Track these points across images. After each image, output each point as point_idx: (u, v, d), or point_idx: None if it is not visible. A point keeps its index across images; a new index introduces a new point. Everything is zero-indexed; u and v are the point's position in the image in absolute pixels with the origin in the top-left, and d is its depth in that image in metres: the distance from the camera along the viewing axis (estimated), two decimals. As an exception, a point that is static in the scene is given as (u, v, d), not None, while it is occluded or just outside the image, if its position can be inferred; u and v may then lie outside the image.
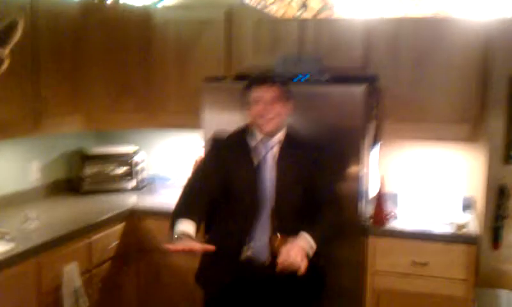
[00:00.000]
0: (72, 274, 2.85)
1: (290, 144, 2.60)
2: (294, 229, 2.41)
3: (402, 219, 3.31)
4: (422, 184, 3.59)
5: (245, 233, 2.49)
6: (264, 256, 2.49)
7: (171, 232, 2.35)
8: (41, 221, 3.04)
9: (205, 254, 2.47)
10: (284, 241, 2.34)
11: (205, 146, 2.86)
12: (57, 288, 2.81)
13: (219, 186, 2.53)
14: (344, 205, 2.78)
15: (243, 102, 2.58)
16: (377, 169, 3.51)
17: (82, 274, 2.97)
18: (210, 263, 2.55)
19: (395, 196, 3.50)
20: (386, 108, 3.32)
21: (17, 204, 3.40)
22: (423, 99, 3.29)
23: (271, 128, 2.53)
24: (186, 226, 2.34)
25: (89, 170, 3.87)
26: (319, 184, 2.58)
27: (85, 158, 3.89)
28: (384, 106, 3.32)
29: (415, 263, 3.10)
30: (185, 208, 2.46)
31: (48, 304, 2.77)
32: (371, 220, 3.23)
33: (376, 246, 3.17)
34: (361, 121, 3.05)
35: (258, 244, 2.49)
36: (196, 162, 3.45)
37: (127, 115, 3.75)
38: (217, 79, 3.41)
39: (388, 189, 3.45)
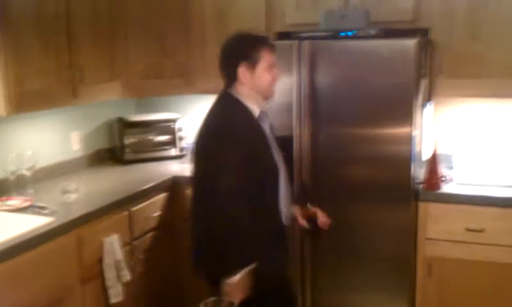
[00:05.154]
0: (113, 246, 2.80)
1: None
2: None
3: (457, 183, 3.12)
4: (478, 144, 3.38)
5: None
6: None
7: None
8: (81, 193, 3.00)
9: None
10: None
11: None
12: (99, 261, 2.77)
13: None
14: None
15: (248, 57, 2.28)
16: (430, 129, 3.32)
17: (124, 245, 2.92)
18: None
19: (449, 158, 3.33)
20: (440, 63, 3.13)
21: (58, 175, 3.37)
22: (479, 53, 3.07)
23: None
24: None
25: (131, 139, 3.81)
26: None
27: (126, 126, 3.82)
28: (437, 61, 3.12)
29: (469, 230, 2.92)
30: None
31: (89, 276, 2.73)
32: (424, 184, 3.05)
33: (428, 211, 3.02)
34: (413, 78, 2.87)
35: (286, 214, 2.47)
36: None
37: (165, 81, 3.67)
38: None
39: (443, 150, 3.30)
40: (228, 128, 2.24)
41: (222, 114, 2.31)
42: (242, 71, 2.24)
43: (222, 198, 2.17)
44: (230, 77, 2.29)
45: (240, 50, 2.27)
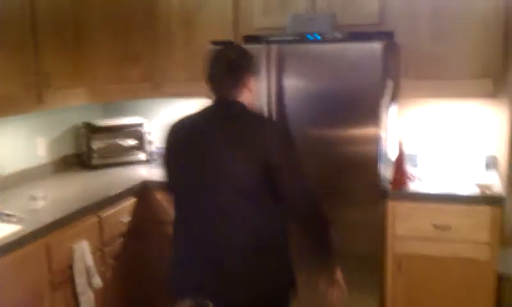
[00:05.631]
0: (82, 252, 2.77)
1: None
2: None
3: (423, 181, 3.19)
4: (442, 144, 3.46)
5: None
6: None
7: None
8: (49, 200, 2.96)
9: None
10: None
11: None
12: (69, 268, 2.74)
13: None
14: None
15: (255, 68, 2.29)
16: (396, 129, 3.37)
17: (94, 252, 2.89)
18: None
19: (415, 157, 3.39)
20: (404, 65, 3.18)
21: (25, 182, 3.32)
22: (442, 54, 3.13)
23: None
24: None
25: (98, 144, 3.77)
26: None
27: (93, 131, 3.77)
28: (402, 63, 3.18)
29: (436, 227, 2.99)
30: None
31: (60, 284, 2.69)
32: (391, 183, 3.11)
33: (395, 210, 3.07)
34: (378, 80, 2.91)
35: None
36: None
37: (132, 85, 3.64)
38: (224, 43, 3.25)
39: (408, 150, 3.36)
40: (280, 127, 2.44)
41: (259, 116, 2.44)
42: (249, 80, 2.25)
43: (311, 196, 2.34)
44: (237, 86, 2.24)
45: (249, 61, 2.26)
